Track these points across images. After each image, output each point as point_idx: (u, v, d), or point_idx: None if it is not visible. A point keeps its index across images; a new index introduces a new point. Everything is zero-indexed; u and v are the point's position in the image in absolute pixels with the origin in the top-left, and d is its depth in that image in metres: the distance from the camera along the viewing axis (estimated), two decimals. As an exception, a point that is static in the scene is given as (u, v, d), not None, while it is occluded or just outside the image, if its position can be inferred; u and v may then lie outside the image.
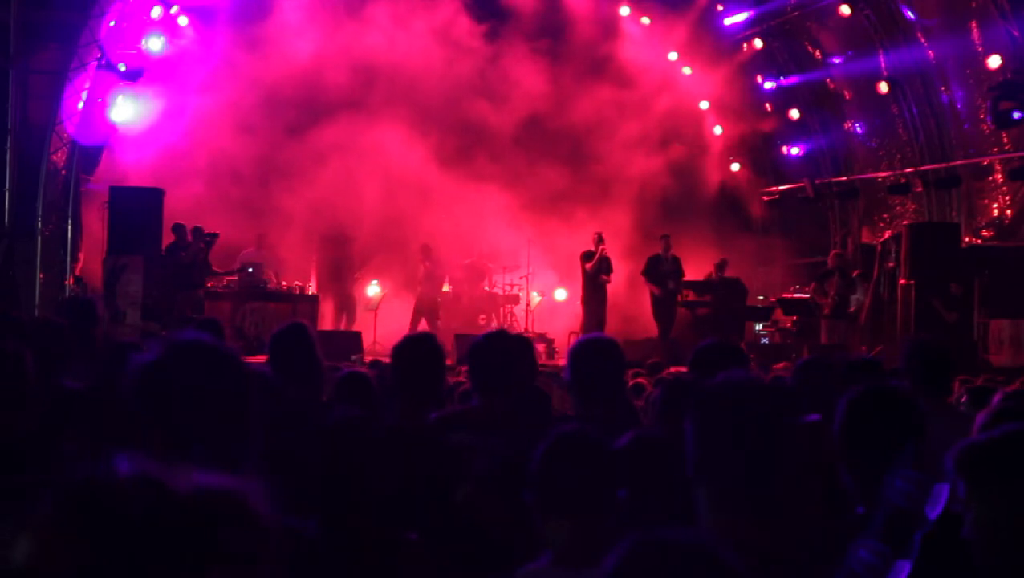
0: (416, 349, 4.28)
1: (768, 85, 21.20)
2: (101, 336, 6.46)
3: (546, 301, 19.34)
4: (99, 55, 16.01)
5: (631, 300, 18.33)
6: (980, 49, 17.04)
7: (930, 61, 18.28)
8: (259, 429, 2.25)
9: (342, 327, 17.68)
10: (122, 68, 16.35)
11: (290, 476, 3.03)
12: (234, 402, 2.24)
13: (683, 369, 6.36)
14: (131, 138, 17.34)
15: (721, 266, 18.05)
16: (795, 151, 21.44)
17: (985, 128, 17.45)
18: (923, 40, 18.24)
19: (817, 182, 20.50)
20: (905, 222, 18.20)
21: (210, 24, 18.05)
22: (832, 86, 20.81)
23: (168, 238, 15.78)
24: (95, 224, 16.74)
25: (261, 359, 5.24)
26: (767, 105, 21.45)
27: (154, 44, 16.92)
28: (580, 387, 4.11)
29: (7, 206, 15.16)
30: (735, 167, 22.00)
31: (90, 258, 16.75)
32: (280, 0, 18.51)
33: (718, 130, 21.58)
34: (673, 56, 20.84)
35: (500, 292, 18.81)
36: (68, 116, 15.86)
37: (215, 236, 16.02)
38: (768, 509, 2.23)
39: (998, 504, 2.19)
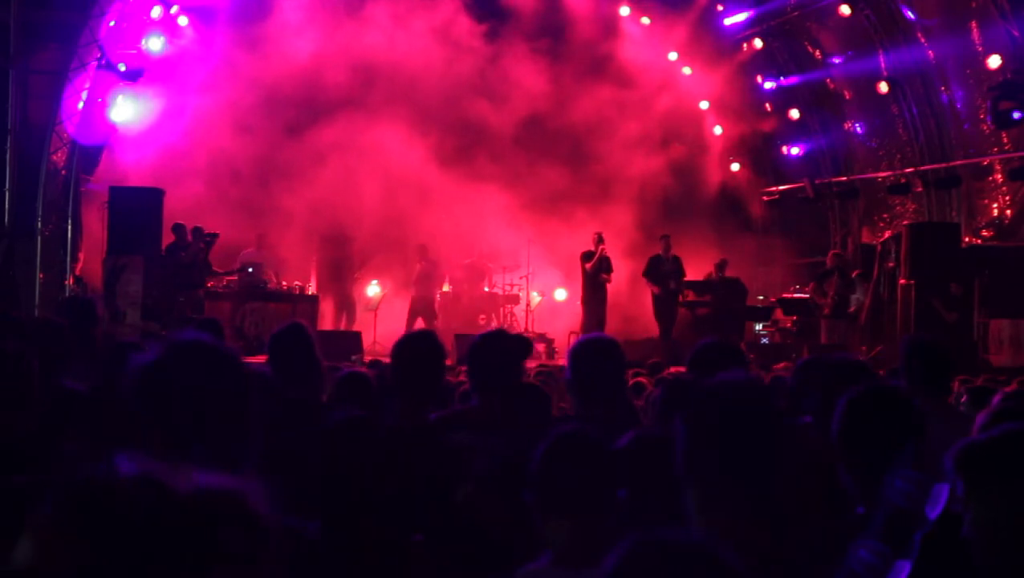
0: (416, 347, 4.27)
1: (768, 85, 21.21)
2: (101, 336, 6.47)
3: (546, 301, 19.34)
4: (99, 55, 16.01)
5: (632, 299, 18.33)
6: (980, 49, 17.04)
7: (930, 61, 18.28)
8: (259, 429, 2.25)
9: (342, 327, 17.68)
10: (122, 68, 16.35)
11: (290, 476, 3.03)
12: (234, 402, 2.24)
13: (683, 369, 6.35)
14: (131, 138, 17.34)
15: (721, 266, 18.06)
16: (795, 151, 21.45)
17: (985, 128, 17.46)
18: (923, 40, 18.24)
19: (817, 182, 20.51)
20: (905, 222, 18.19)
21: (210, 24, 18.05)
22: (832, 86, 20.81)
23: (168, 238, 15.78)
24: (95, 224, 16.74)
25: (261, 359, 5.24)
26: (767, 105, 21.45)
27: (154, 44, 16.93)
28: (580, 387, 4.11)
29: (7, 206, 15.15)
30: (735, 167, 22.00)
31: (90, 258, 16.75)
32: (280, 0, 18.51)
33: (718, 130, 21.58)
34: (673, 56, 20.84)
35: (500, 292, 18.81)
36: (68, 116, 15.86)
37: (215, 236, 16.01)
38: (758, 509, 2.23)
39: (998, 504, 2.19)
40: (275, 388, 4.27)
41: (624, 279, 18.21)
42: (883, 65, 18.81)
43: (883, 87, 18.80)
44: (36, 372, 3.63)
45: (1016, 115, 15.25)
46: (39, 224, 15.51)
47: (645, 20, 20.91)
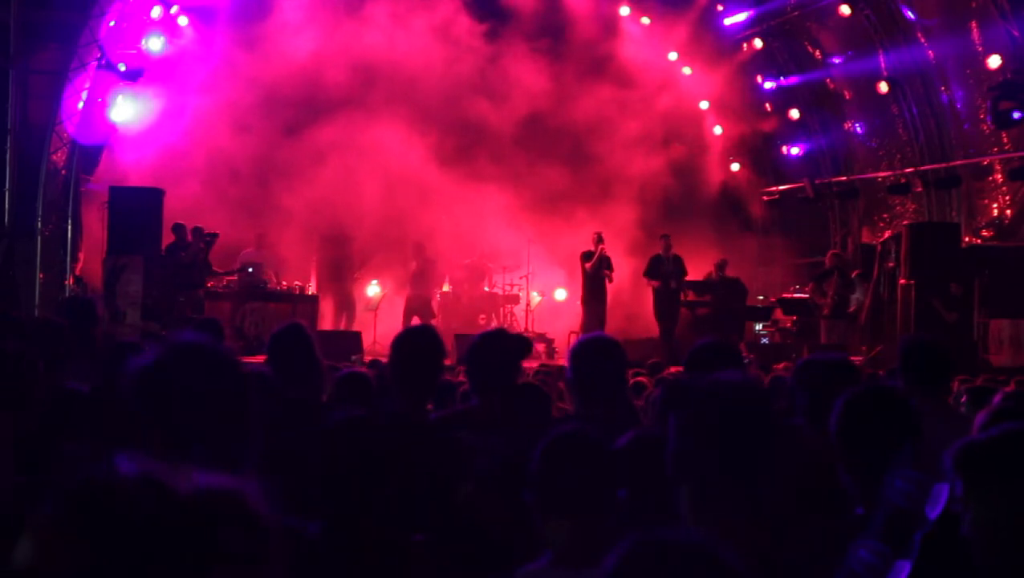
0: (416, 342, 4.27)
1: (768, 85, 21.21)
2: (101, 336, 6.47)
3: (546, 301, 19.34)
4: (99, 55, 16.01)
5: (634, 298, 18.34)
6: (980, 49, 17.04)
7: (930, 61, 18.28)
8: (259, 429, 2.25)
9: (342, 327, 17.68)
10: (122, 68, 16.35)
11: (291, 476, 3.03)
12: (232, 403, 2.24)
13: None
14: (131, 138, 17.34)
15: (721, 266, 18.06)
16: (795, 151, 21.45)
17: (985, 128, 17.46)
18: (923, 40, 18.24)
19: (817, 182, 20.51)
20: (905, 222, 18.19)
21: (210, 24, 18.05)
22: (832, 86, 20.81)
23: (168, 238, 15.78)
24: (95, 224, 16.73)
25: (261, 359, 5.24)
26: (767, 105, 21.46)
27: (154, 44, 16.93)
28: (581, 386, 4.11)
29: (7, 206, 15.15)
30: (735, 167, 22.00)
31: (90, 258, 16.75)
32: (280, 0, 18.52)
33: (718, 130, 21.58)
34: (673, 56, 20.84)
35: (500, 292, 18.81)
36: (68, 116, 15.86)
37: (215, 236, 16.02)
38: (750, 509, 2.22)
39: (998, 504, 2.18)
40: (275, 388, 4.27)
41: (626, 278, 18.22)
42: (883, 65, 18.81)
43: (883, 87, 18.80)
44: (39, 372, 3.63)
45: (1016, 115, 15.25)
46: (39, 224, 15.50)
47: (645, 20, 20.91)
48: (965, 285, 15.64)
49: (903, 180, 19.39)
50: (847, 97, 20.72)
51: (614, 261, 17.37)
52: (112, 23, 16.19)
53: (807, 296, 17.31)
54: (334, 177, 17.76)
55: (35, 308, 14.94)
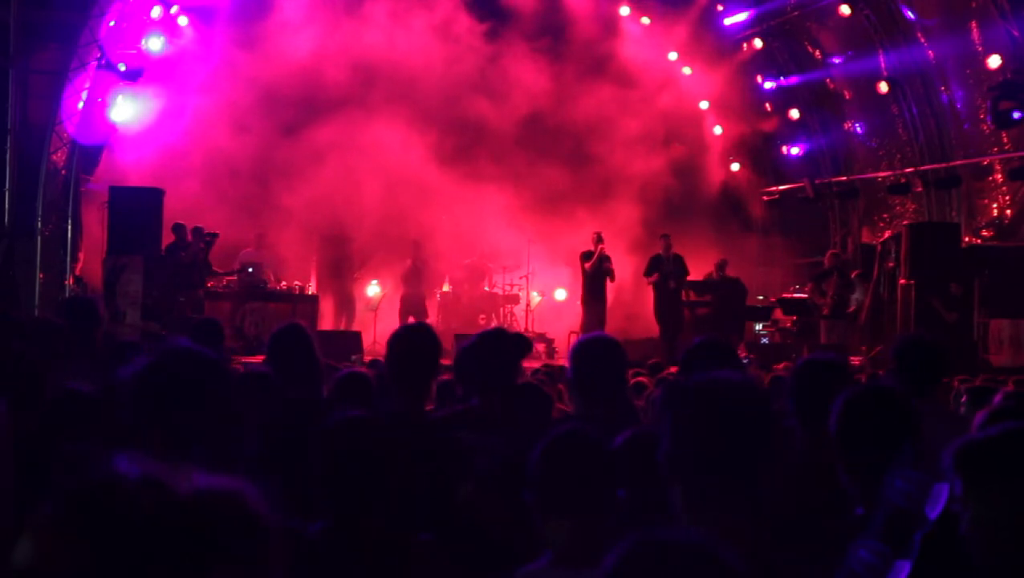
0: (411, 340, 4.27)
1: (768, 85, 21.22)
2: (101, 336, 6.46)
3: (546, 301, 19.33)
4: (99, 55, 16.01)
5: (634, 298, 18.34)
6: (980, 49, 17.04)
7: (930, 61, 18.28)
8: (253, 431, 2.25)
9: (342, 327, 17.68)
10: (122, 68, 16.35)
11: (291, 476, 3.03)
12: (221, 405, 2.25)
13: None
14: (131, 138, 17.34)
15: (721, 266, 18.05)
16: (795, 151, 21.45)
17: (985, 128, 17.46)
18: (923, 40, 18.24)
19: (817, 182, 20.51)
20: (905, 222, 18.20)
21: (210, 24, 18.05)
22: (832, 86, 20.82)
23: (168, 238, 15.78)
24: (95, 224, 16.74)
25: (261, 359, 5.25)
26: (767, 105, 21.46)
27: (154, 44, 16.93)
28: (581, 386, 4.10)
29: (7, 206, 15.15)
30: (735, 167, 22.01)
31: (90, 258, 16.75)
32: (280, -1, 18.54)
33: (718, 130, 21.58)
34: (673, 56, 20.84)
35: (500, 292, 18.81)
36: (68, 116, 15.86)
37: (215, 236, 16.02)
38: (743, 508, 2.22)
39: (998, 503, 2.18)
40: (275, 388, 4.27)
41: (627, 277, 18.21)
42: (883, 65, 18.82)
43: (883, 87, 18.80)
44: (39, 372, 3.63)
45: (1016, 115, 15.25)
46: (39, 224, 15.50)
47: (645, 20, 20.92)
48: (965, 285, 15.64)
49: (903, 180, 19.39)
50: (847, 97, 20.73)
51: (616, 259, 17.34)
52: (112, 23, 16.19)
53: (807, 296, 17.32)
54: (334, 177, 17.76)
55: (35, 308, 14.94)
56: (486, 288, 18.79)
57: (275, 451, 3.64)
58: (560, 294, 19.56)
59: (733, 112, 21.09)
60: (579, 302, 17.66)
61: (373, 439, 2.93)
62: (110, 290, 14.94)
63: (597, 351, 4.13)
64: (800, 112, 21.06)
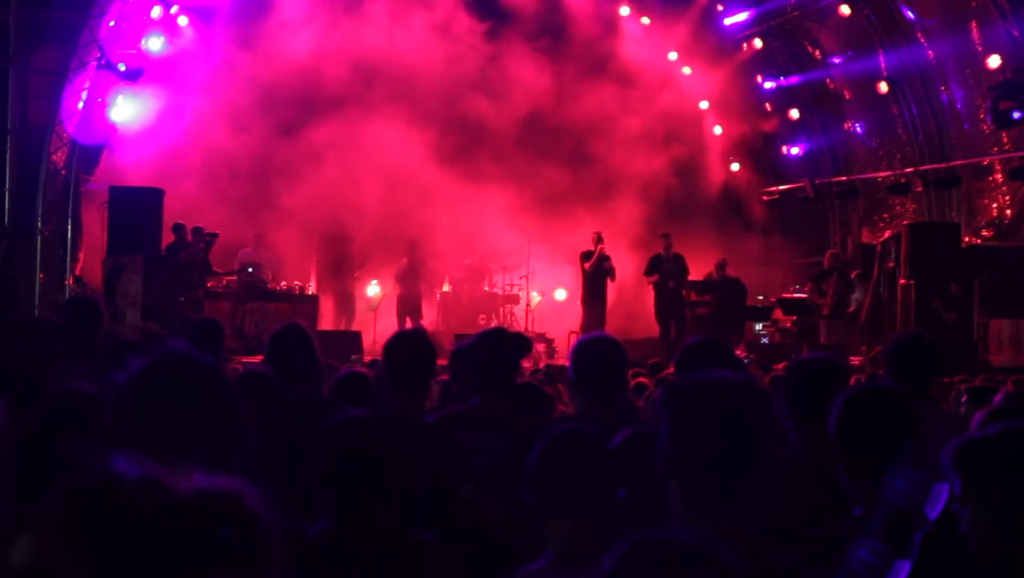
0: (408, 346, 4.29)
1: (768, 85, 21.22)
2: (101, 336, 6.46)
3: (546, 301, 19.33)
4: (99, 55, 16.00)
5: (635, 298, 18.33)
6: (980, 49, 17.04)
7: (930, 61, 18.28)
8: (252, 432, 2.26)
9: (342, 327, 17.67)
10: (122, 68, 16.35)
11: (291, 476, 3.03)
12: (218, 407, 2.25)
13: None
14: (131, 138, 17.34)
15: (721, 266, 18.05)
16: (795, 151, 21.45)
17: (985, 128, 17.46)
18: (923, 40, 18.24)
19: (817, 182, 20.51)
20: (905, 222, 18.20)
21: (209, 24, 18.05)
22: (832, 86, 20.81)
23: (168, 238, 15.78)
24: (95, 224, 16.73)
25: (260, 359, 5.25)
26: (767, 105, 21.46)
27: (154, 44, 16.93)
28: (581, 386, 4.10)
29: (7, 206, 15.15)
30: (735, 167, 22.01)
31: (90, 258, 16.75)
32: (280, -1, 18.54)
33: (718, 130, 21.58)
34: (673, 56, 20.84)
35: (500, 292, 18.81)
36: (68, 116, 15.85)
37: (215, 236, 16.02)
38: (739, 508, 2.22)
39: (997, 502, 2.17)
40: (275, 388, 4.27)
41: (628, 277, 18.21)
42: (883, 65, 18.81)
43: (883, 87, 18.80)
44: (39, 373, 3.63)
45: (1016, 115, 15.25)
46: (39, 224, 15.50)
47: (645, 20, 20.92)
48: (965, 285, 15.64)
49: (903, 180, 19.39)
50: (847, 97, 20.73)
51: (615, 261, 17.34)
52: (112, 23, 16.18)
53: (807, 296, 17.32)
54: (334, 176, 17.76)
55: (35, 308, 14.94)
56: (486, 288, 18.78)
57: (275, 451, 3.64)
58: (560, 294, 19.55)
59: (733, 112, 21.09)
60: (579, 302, 17.66)
61: (373, 439, 2.93)
62: (110, 290, 14.94)
63: (597, 351, 4.13)
64: (800, 112, 21.06)
